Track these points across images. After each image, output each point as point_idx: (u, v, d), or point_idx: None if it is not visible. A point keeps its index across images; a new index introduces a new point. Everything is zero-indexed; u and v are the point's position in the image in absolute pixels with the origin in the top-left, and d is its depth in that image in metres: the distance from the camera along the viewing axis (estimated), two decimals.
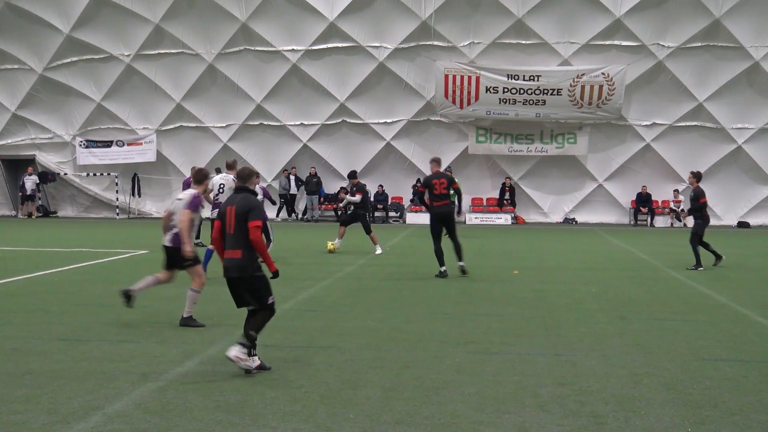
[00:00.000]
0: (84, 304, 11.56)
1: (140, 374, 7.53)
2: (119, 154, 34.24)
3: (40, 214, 34.69)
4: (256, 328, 7.61)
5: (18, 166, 35.13)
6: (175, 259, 9.90)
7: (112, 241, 22.72)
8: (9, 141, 35.16)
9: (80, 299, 12.09)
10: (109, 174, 34.65)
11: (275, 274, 7.83)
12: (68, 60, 33.23)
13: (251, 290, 7.68)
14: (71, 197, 35.83)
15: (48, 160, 35.14)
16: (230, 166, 15.33)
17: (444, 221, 15.08)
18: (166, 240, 10.01)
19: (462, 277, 14.71)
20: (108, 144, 34.37)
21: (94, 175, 34.85)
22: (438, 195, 15.01)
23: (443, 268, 14.86)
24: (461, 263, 14.99)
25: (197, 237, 17.25)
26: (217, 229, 7.95)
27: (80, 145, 34.52)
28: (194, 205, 9.98)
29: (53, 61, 33.27)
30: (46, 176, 34.72)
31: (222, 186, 15.06)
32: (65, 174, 35.07)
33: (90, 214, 35.44)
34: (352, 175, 21.02)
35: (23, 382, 7.17)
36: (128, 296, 9.92)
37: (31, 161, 34.95)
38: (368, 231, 19.55)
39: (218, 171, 19.38)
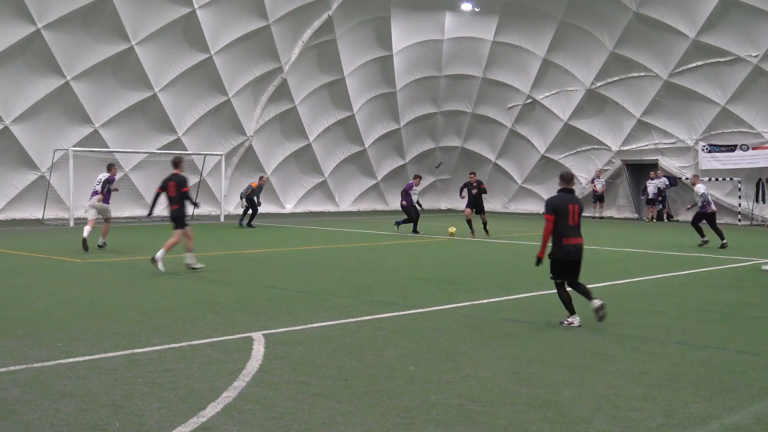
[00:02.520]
0: (703, 310, 11.40)
1: (761, 388, 7.12)
2: (743, 159, 33.14)
3: (658, 219, 35.36)
4: None
5: (641, 170, 36.28)
6: None
7: (732, 247, 22.03)
8: (633, 146, 36.50)
9: (699, 304, 11.95)
10: (731, 179, 33.78)
11: None
12: (693, 64, 33.20)
13: None
14: (692, 202, 35.68)
15: (670, 164, 35.60)
16: None
17: None
18: None
19: None
20: (731, 148, 33.52)
21: (717, 179, 34.28)
22: None
23: None
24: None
25: None
26: None
27: (703, 150, 34.28)
28: None
29: (678, 66, 33.55)
30: (671, 180, 35.26)
31: None
32: (686, 178, 35.13)
33: None
34: None
35: (641, 381, 7.30)
36: None
37: (653, 166, 35.84)
38: None
39: None
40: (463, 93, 40.08)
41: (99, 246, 18.92)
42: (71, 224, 26.76)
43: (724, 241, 21.61)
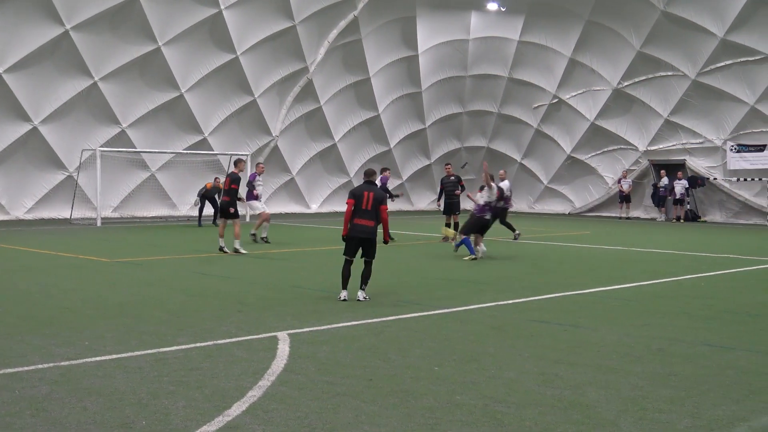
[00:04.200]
0: (731, 311, 11.29)
1: None
2: None
3: (683, 219, 35.09)
4: None
5: (668, 170, 35.98)
6: None
7: (761, 248, 21.81)
8: (661, 146, 36.22)
9: (727, 306, 11.84)
10: (760, 179, 33.43)
11: None
12: (722, 63, 32.88)
13: None
14: (720, 202, 35.41)
15: (698, 164, 35.29)
16: None
17: None
18: None
19: None
20: (760, 148, 33.16)
21: (745, 180, 33.94)
22: None
23: None
24: None
25: None
26: None
27: (731, 150, 33.95)
28: None
29: (706, 65, 33.24)
30: (696, 181, 34.96)
31: None
32: (715, 179, 34.84)
33: (739, 219, 34.60)
34: None
35: (668, 383, 7.24)
36: None
37: (681, 166, 35.55)
38: None
39: None
40: (489, 93, 39.96)
41: (262, 239, 20.90)
42: (98, 224, 27.01)
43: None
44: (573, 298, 12.30)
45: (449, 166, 24.32)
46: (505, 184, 22.05)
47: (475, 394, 6.76)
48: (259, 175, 21.91)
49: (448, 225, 22.56)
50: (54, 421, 5.83)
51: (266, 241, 20.87)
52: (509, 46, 37.92)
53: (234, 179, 18.36)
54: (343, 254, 11.81)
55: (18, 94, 26.66)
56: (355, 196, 11.74)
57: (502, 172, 23.80)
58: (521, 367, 7.71)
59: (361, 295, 11.60)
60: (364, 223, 11.62)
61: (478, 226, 17.75)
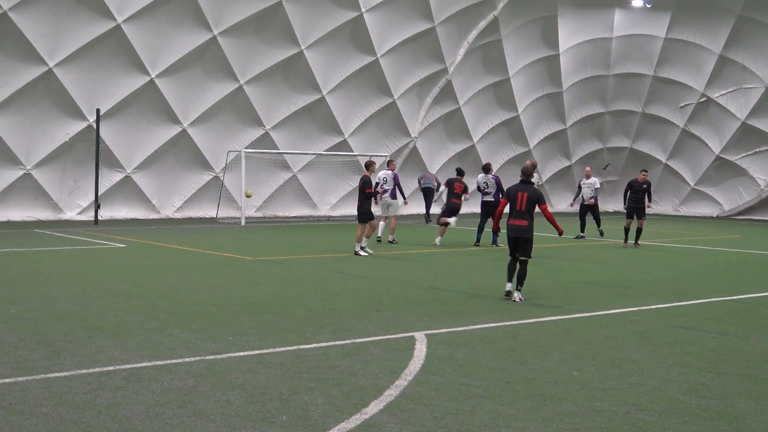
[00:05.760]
0: None
1: None
2: None
3: None
4: None
5: None
6: None
7: None
8: None
9: None
10: None
11: None
12: None
13: None
14: None
15: None
16: None
17: None
18: None
19: None
20: None
21: None
22: None
23: None
24: None
25: None
26: None
27: None
28: None
29: None
30: None
31: None
32: None
33: None
34: None
35: None
36: None
37: None
38: None
39: None
40: (633, 92, 38.86)
41: (389, 241, 21.04)
42: (242, 223, 27.90)
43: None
44: (720, 305, 11.78)
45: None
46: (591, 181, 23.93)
47: (615, 400, 6.56)
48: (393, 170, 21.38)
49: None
50: (199, 413, 6.05)
51: (391, 242, 21.05)
52: (655, 43, 36.74)
53: (365, 183, 18.29)
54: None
55: (168, 98, 27.89)
56: (509, 195, 12.04)
57: (588, 169, 25.17)
58: (665, 375, 7.44)
59: (517, 296, 11.73)
60: (518, 223, 11.87)
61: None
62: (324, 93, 30.94)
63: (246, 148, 29.49)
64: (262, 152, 30.18)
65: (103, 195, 27.41)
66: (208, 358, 7.77)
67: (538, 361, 7.91)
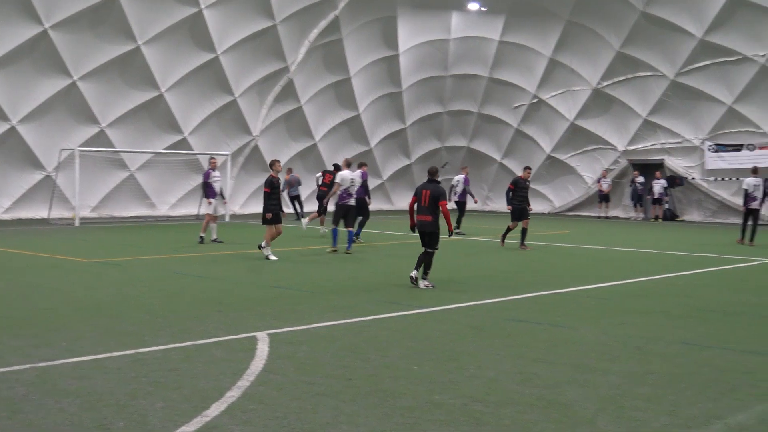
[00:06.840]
0: (708, 310, 11.39)
1: (767, 388, 7.10)
2: (749, 158, 33.02)
3: (662, 218, 35.35)
4: None
5: (647, 170, 36.21)
6: None
7: (738, 248, 22.00)
8: (639, 146, 36.44)
9: (704, 304, 11.94)
10: (737, 179, 33.68)
11: None
12: (700, 64, 33.11)
13: None
14: (697, 202, 35.68)
15: (676, 164, 35.54)
16: None
17: None
18: None
19: None
20: (738, 148, 33.45)
21: (722, 179, 34.21)
22: None
23: None
24: None
25: None
26: None
27: (709, 150, 34.22)
28: None
29: (685, 65, 33.46)
30: (674, 180, 35.23)
31: None
32: (693, 178, 35.10)
33: (716, 219, 34.86)
34: None
35: (646, 381, 7.29)
36: None
37: (659, 165, 35.78)
38: None
39: None
40: (470, 93, 40.04)
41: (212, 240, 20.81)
42: (76, 224, 26.83)
43: None
44: (551, 297, 12.36)
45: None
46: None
47: (454, 393, 6.78)
48: (213, 170, 20.81)
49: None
50: (30, 423, 5.80)
51: (217, 242, 20.68)
52: (490, 46, 37.99)
53: (267, 183, 17.50)
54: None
55: None
56: (416, 193, 13.42)
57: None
58: (500, 367, 7.74)
59: (422, 283, 13.07)
60: (423, 218, 13.18)
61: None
62: (162, 90, 30.15)
63: (80, 146, 28.34)
64: (98, 150, 29.10)
65: None
66: (39, 365, 7.45)
67: (379, 357, 8.05)
